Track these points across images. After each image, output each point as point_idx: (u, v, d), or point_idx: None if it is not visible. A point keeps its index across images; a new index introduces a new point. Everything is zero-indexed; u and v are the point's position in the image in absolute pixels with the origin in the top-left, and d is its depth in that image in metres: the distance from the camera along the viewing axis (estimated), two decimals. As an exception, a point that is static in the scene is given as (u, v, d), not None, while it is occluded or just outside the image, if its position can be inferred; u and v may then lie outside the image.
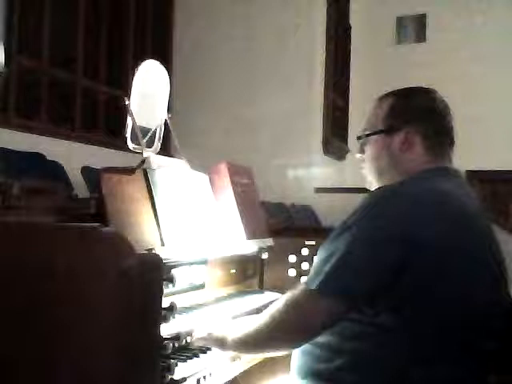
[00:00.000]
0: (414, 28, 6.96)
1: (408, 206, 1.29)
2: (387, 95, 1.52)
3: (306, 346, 1.38)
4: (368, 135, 1.51)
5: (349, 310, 1.28)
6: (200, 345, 1.47)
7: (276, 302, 1.39)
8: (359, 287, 1.26)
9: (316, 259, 1.34)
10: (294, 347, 1.40)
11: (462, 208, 1.35)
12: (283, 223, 3.71)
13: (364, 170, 1.55)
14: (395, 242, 1.24)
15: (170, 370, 1.21)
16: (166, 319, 1.21)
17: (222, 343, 1.45)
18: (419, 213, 1.27)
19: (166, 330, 1.24)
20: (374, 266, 1.25)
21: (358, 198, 1.37)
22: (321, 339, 1.34)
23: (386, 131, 1.47)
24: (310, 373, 1.36)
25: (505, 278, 1.40)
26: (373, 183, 1.53)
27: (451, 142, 1.48)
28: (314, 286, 1.28)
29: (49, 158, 4.26)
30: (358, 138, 1.56)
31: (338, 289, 1.26)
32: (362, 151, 1.55)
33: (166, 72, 2.01)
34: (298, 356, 1.42)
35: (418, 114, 1.46)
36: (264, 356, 1.55)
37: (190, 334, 1.49)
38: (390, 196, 1.33)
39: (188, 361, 1.38)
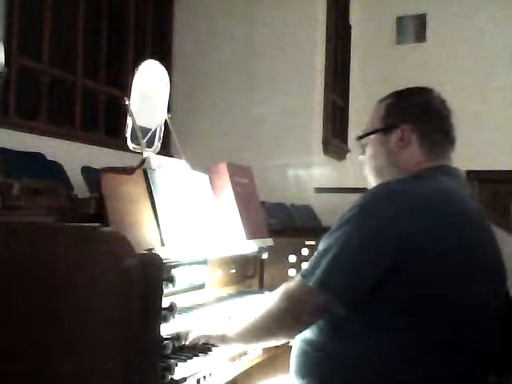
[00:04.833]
0: (414, 28, 6.95)
1: (408, 205, 1.28)
2: (387, 96, 1.53)
3: (303, 348, 1.39)
4: (366, 135, 1.52)
5: (343, 304, 1.30)
6: (201, 342, 1.48)
7: (271, 294, 1.41)
8: (354, 286, 1.28)
9: (316, 250, 1.35)
10: (290, 337, 1.43)
11: (465, 207, 1.35)
12: (283, 223, 3.71)
13: (365, 171, 1.55)
14: (390, 242, 1.24)
15: (170, 370, 1.21)
16: (165, 319, 1.21)
17: (222, 338, 1.48)
18: (420, 213, 1.27)
19: (166, 329, 1.24)
20: (367, 266, 1.26)
21: (358, 198, 1.37)
22: (318, 341, 1.36)
23: (383, 130, 1.48)
24: (308, 374, 1.38)
25: (504, 278, 1.40)
26: (372, 183, 1.52)
27: (451, 141, 1.47)
28: (310, 282, 1.30)
29: (49, 158, 4.26)
30: (358, 138, 1.57)
31: (333, 286, 1.28)
32: (363, 152, 1.56)
33: (165, 72, 2.01)
34: (296, 357, 1.43)
35: (414, 112, 1.46)
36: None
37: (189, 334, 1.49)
38: (388, 194, 1.33)
39: (188, 361, 1.38)
